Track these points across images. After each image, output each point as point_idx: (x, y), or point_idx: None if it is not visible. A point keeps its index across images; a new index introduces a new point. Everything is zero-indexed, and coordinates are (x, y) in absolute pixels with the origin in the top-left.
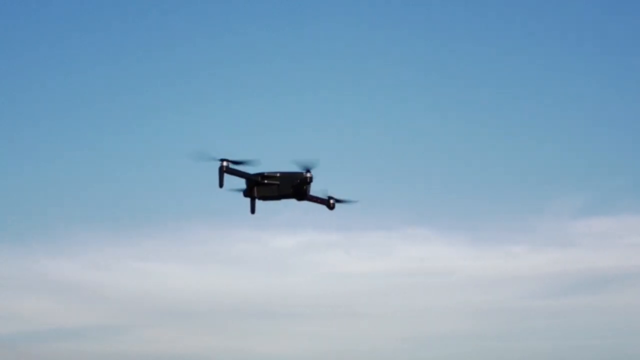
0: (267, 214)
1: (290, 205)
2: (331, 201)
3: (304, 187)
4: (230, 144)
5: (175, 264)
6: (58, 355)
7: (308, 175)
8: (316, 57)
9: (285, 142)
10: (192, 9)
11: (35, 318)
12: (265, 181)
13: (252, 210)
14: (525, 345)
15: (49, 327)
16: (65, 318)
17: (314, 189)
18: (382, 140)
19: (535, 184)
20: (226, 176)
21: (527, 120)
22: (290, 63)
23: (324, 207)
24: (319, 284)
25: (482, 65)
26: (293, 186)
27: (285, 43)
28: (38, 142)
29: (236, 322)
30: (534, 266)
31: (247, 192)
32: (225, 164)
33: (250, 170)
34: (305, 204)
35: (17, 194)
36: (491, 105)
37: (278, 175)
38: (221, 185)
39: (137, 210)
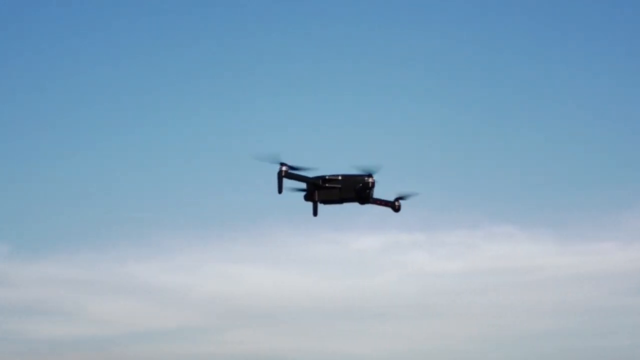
0: (351, 215)
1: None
2: (396, 203)
3: (367, 191)
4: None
5: (260, 267)
6: (147, 356)
7: (370, 180)
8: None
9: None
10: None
11: (125, 320)
12: (327, 185)
13: (315, 213)
14: (612, 344)
15: (138, 329)
16: (153, 320)
17: (383, 192)
18: (457, 139)
19: (624, 178)
20: (285, 180)
21: (616, 113)
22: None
23: (403, 205)
24: (403, 285)
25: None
26: (355, 190)
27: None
28: (126, 147)
29: (319, 323)
30: (623, 263)
31: (308, 196)
32: (284, 168)
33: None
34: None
35: (106, 200)
36: (577, 99)
37: (340, 178)
38: (280, 191)
39: (221, 213)
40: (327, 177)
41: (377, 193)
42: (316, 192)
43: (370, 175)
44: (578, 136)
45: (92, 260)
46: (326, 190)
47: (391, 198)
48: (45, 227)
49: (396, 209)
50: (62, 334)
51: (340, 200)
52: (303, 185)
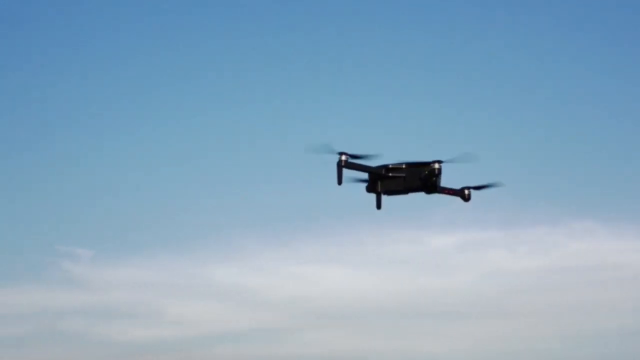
0: (424, 213)
1: (448, 202)
2: (466, 192)
3: (433, 179)
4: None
5: (335, 267)
6: (226, 357)
7: (436, 166)
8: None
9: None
10: None
11: (204, 322)
12: (390, 174)
13: (378, 206)
14: None
15: (217, 330)
16: (231, 322)
17: (449, 181)
18: (536, 132)
19: None
20: (345, 171)
21: None
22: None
23: (480, 201)
24: (481, 283)
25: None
26: (421, 178)
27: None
28: (202, 151)
29: (397, 322)
30: None
31: (370, 187)
32: (344, 158)
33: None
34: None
35: (185, 204)
36: None
37: (404, 166)
38: (340, 182)
39: (295, 213)
40: (390, 166)
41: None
42: (379, 183)
43: (436, 162)
44: None
45: (172, 263)
46: (390, 180)
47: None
48: (126, 232)
49: (466, 198)
50: (143, 336)
51: (405, 191)
52: (364, 175)
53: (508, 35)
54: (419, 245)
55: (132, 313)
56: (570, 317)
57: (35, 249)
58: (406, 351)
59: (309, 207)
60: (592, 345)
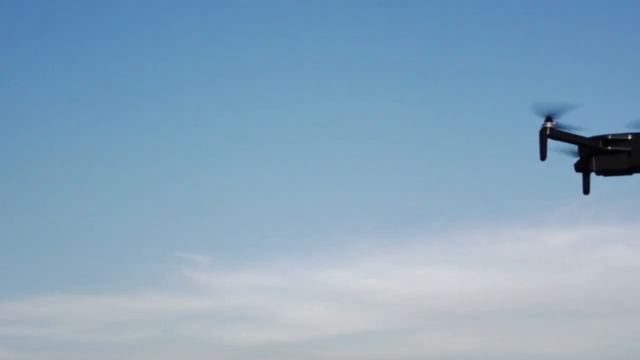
0: (541, 211)
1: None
2: None
3: None
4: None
5: (449, 267)
6: (339, 359)
7: None
8: None
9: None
10: None
11: (319, 325)
12: (609, 148)
13: (586, 190)
14: None
15: (331, 333)
16: (344, 324)
17: None
18: None
19: None
20: (550, 143)
21: None
22: None
23: (599, 197)
24: (600, 281)
25: None
26: None
27: None
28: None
29: (513, 322)
30: None
31: (582, 165)
32: (550, 125)
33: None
34: None
35: (299, 210)
36: None
37: (629, 138)
38: (543, 157)
39: (407, 214)
40: (610, 137)
41: None
42: (593, 159)
43: None
44: None
45: (286, 267)
46: (608, 157)
47: None
48: (243, 238)
49: None
50: (258, 339)
51: (628, 170)
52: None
53: None
54: (533, 243)
55: (248, 317)
56: None
57: (154, 257)
58: (522, 352)
59: (419, 207)
60: None
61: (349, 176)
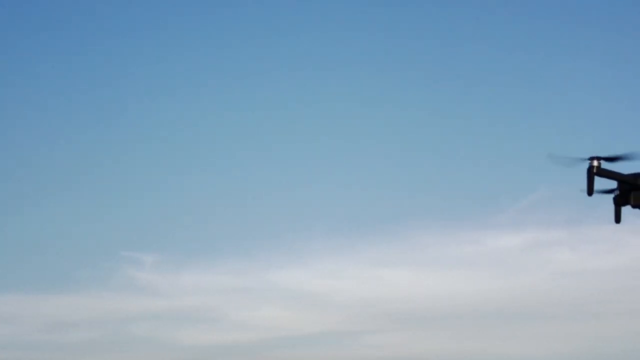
0: (487, 214)
1: (511, 202)
2: None
3: None
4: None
5: (400, 269)
6: None
7: None
8: None
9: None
10: None
11: (269, 326)
12: None
13: (617, 219)
14: None
15: (282, 334)
16: (296, 325)
17: None
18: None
19: None
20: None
21: None
22: None
23: (545, 201)
24: (546, 284)
25: None
26: None
27: None
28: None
29: (464, 324)
30: None
31: (621, 199)
32: (596, 163)
33: (625, 168)
34: None
35: (248, 208)
36: None
37: None
38: (591, 192)
39: (359, 216)
40: None
41: None
42: (632, 194)
43: None
44: None
45: (238, 268)
46: None
47: None
48: (190, 237)
49: None
50: (209, 340)
51: None
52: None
53: None
54: (483, 246)
55: (197, 317)
56: (636, 318)
57: (100, 256)
58: (473, 352)
59: (370, 209)
60: None
61: (301, 178)
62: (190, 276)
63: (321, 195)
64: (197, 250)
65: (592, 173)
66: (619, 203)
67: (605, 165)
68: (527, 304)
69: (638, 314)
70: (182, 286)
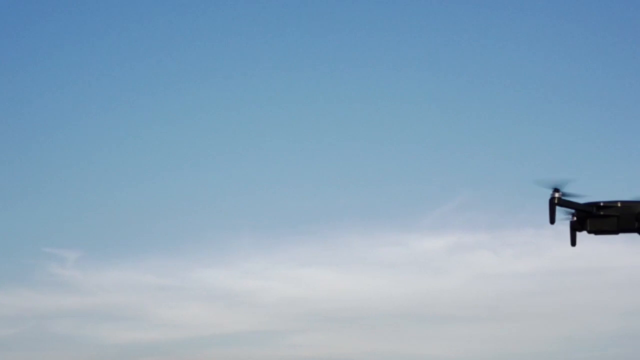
0: (412, 217)
1: (436, 205)
2: None
3: None
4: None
5: (325, 269)
6: None
7: None
8: None
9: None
10: None
11: (193, 325)
12: (602, 213)
13: (573, 243)
14: None
15: (206, 333)
16: (220, 324)
17: None
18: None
19: None
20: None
21: None
22: None
23: (467, 204)
24: (469, 286)
25: None
26: (639, 220)
27: None
28: (197, 151)
29: (390, 326)
30: None
31: (576, 225)
32: (557, 195)
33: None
34: None
35: (173, 205)
36: None
37: (619, 205)
38: (553, 221)
39: (284, 215)
40: (602, 204)
41: None
42: (588, 222)
43: None
44: None
45: (162, 266)
46: (601, 219)
47: None
48: (114, 234)
49: None
50: (132, 339)
51: (617, 231)
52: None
53: None
54: (406, 248)
55: (121, 315)
56: (557, 320)
57: (22, 252)
58: (399, 355)
59: (301, 212)
60: (579, 350)
61: (227, 175)
62: (114, 273)
63: (247, 194)
64: (121, 248)
65: (553, 203)
66: (575, 228)
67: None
68: (449, 305)
69: (556, 317)
70: (106, 283)
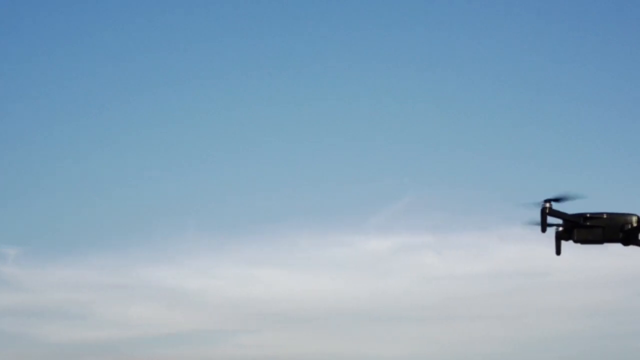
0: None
1: (383, 207)
2: None
3: (636, 233)
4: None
5: (273, 269)
6: (161, 359)
7: (635, 219)
8: None
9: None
10: None
11: (139, 324)
12: (588, 223)
13: (558, 252)
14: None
15: (152, 332)
16: (167, 323)
17: None
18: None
19: None
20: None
21: None
22: None
23: (413, 207)
24: (413, 287)
25: None
26: (623, 231)
27: None
28: (140, 147)
29: (333, 325)
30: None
31: (563, 234)
32: (548, 205)
33: (570, 208)
34: None
35: (118, 202)
36: None
37: (604, 216)
38: (544, 229)
39: (235, 216)
40: (588, 215)
41: None
42: (575, 232)
43: (636, 215)
44: None
45: (106, 264)
46: (587, 230)
47: None
48: (55, 230)
49: None
50: (76, 338)
51: (602, 241)
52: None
53: None
54: (353, 248)
55: (64, 313)
56: (501, 322)
57: None
58: (346, 354)
59: (249, 212)
60: (522, 351)
61: (173, 173)
62: (56, 271)
63: (194, 192)
64: (64, 245)
65: (545, 213)
66: (561, 237)
67: (556, 205)
68: (395, 306)
69: (499, 318)
70: (48, 281)
